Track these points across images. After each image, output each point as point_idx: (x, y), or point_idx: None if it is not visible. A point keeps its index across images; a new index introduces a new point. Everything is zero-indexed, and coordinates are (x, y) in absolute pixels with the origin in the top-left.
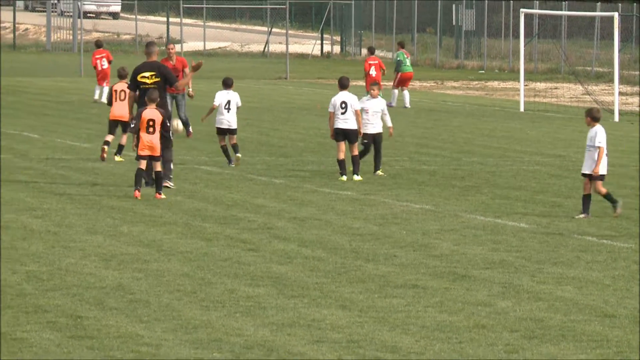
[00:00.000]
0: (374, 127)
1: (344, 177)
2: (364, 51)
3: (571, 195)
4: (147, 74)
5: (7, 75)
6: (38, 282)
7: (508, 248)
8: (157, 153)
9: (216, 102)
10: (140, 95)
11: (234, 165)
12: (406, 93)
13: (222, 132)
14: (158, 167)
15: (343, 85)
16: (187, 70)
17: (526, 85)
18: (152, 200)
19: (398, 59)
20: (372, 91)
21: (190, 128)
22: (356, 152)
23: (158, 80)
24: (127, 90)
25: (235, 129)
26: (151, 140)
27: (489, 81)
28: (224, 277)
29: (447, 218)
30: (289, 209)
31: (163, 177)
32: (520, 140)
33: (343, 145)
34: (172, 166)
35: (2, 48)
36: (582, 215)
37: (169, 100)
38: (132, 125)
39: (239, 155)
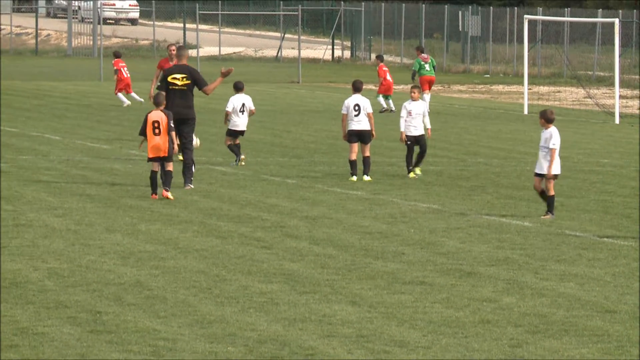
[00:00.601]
0: (416, 129)
1: (354, 178)
2: (374, 56)
3: (573, 195)
4: (178, 75)
5: (30, 79)
6: (59, 279)
7: (512, 246)
8: (166, 153)
9: (229, 108)
10: (168, 96)
11: (243, 164)
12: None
13: (235, 134)
14: (169, 167)
15: (357, 88)
16: None
17: (530, 89)
18: (169, 200)
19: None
20: (413, 94)
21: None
22: (368, 153)
23: (188, 83)
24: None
25: (245, 131)
26: (158, 142)
27: (494, 85)
28: (238, 273)
29: (453, 217)
30: (301, 208)
31: (187, 177)
32: (524, 142)
33: (356, 146)
34: (193, 169)
35: (25, 53)
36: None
37: None
38: (140, 128)
39: (243, 156)
